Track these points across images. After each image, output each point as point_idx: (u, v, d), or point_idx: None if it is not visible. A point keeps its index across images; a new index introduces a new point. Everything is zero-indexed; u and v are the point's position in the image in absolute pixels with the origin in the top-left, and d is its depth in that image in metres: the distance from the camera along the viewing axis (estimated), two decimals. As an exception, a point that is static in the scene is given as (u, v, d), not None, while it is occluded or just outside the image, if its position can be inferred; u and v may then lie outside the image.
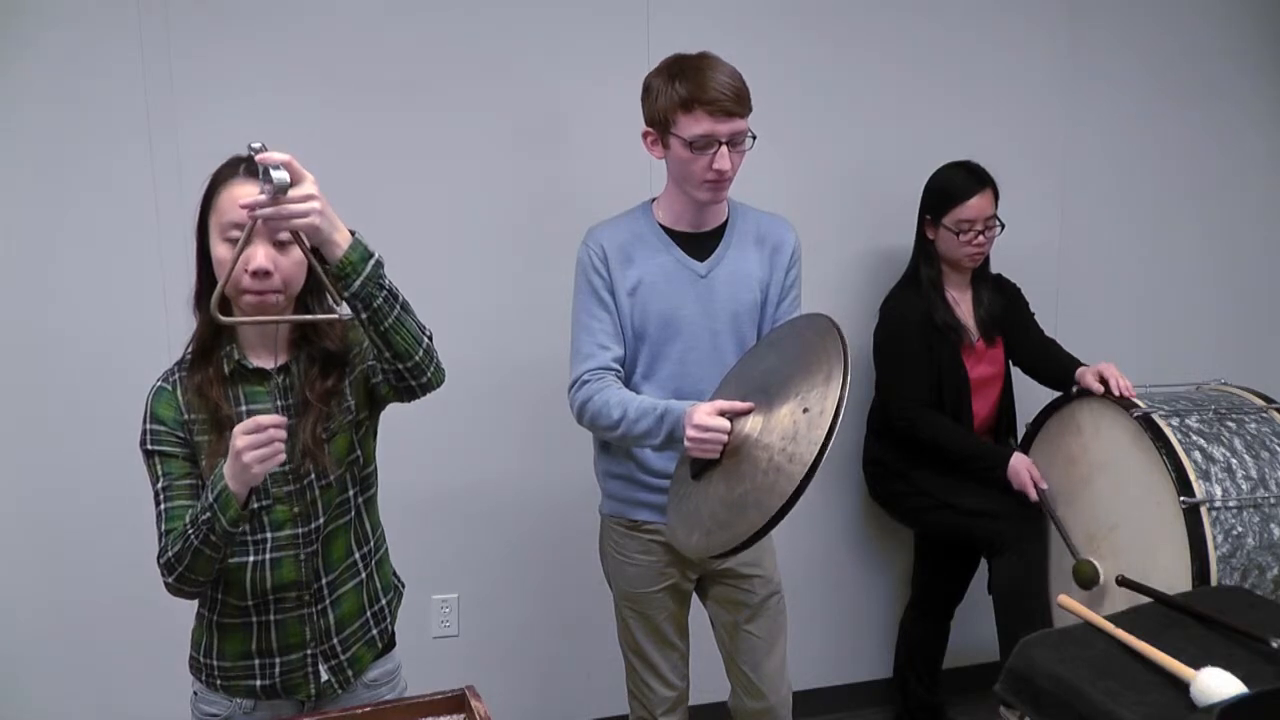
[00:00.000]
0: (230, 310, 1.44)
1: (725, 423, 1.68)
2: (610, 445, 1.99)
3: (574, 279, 1.95)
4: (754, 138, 1.85)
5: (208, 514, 1.35)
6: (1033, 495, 2.36)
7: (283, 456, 1.35)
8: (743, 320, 1.94)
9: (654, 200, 1.99)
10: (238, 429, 1.32)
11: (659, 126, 1.85)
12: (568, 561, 2.61)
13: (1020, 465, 2.38)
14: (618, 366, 1.91)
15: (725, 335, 1.93)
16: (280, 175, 1.24)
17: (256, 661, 1.51)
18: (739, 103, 1.80)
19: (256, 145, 1.26)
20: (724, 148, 1.80)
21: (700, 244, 1.94)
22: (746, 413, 1.69)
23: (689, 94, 1.78)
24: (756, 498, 1.58)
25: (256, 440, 1.31)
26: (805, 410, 1.58)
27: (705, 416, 1.69)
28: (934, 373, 2.48)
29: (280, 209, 1.26)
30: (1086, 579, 2.24)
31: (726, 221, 1.97)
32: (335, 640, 1.54)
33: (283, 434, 1.34)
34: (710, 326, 1.92)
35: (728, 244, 1.95)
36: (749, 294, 1.94)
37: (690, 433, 1.70)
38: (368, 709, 1.40)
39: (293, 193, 1.26)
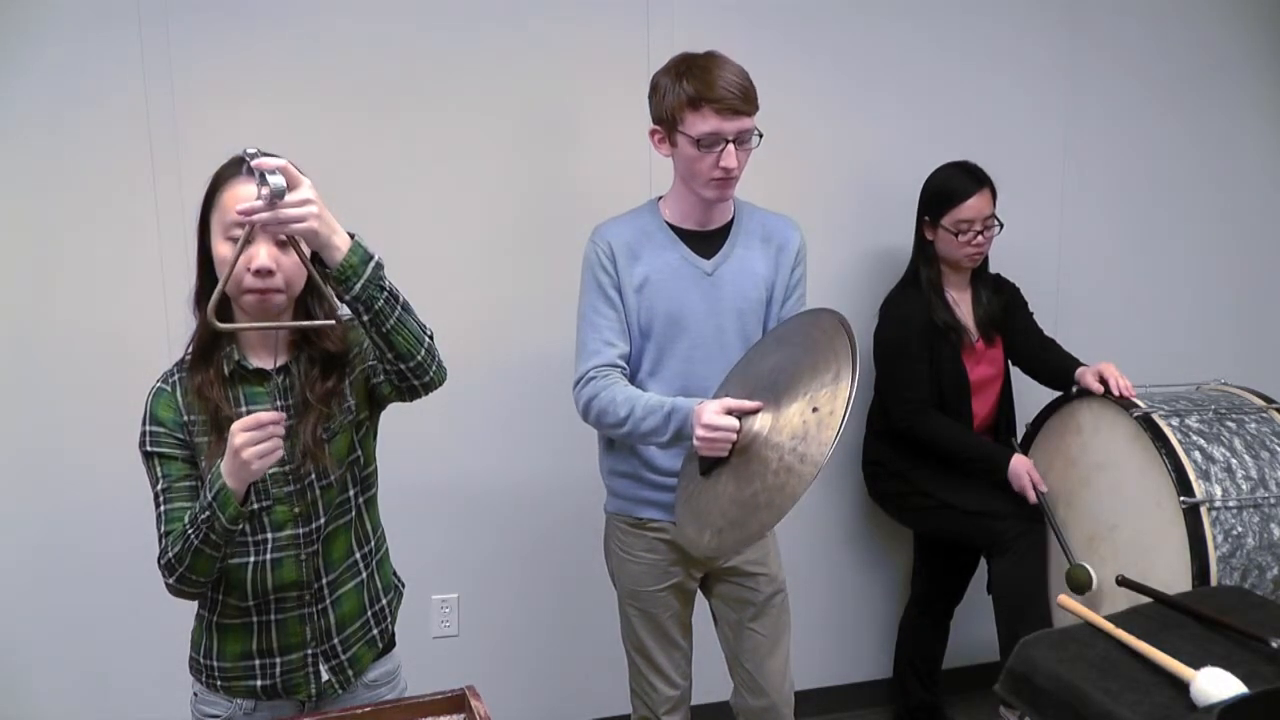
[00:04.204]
0: (230, 310, 1.45)
1: (734, 421, 1.69)
2: (615, 443, 2.00)
3: (580, 276, 1.96)
4: (760, 136, 1.86)
5: (206, 513, 1.35)
6: (1032, 498, 2.36)
7: (281, 453, 1.35)
8: (748, 318, 1.95)
9: (661, 198, 2.00)
10: (236, 426, 1.32)
11: (666, 124, 1.86)
12: (568, 561, 2.61)
13: (1020, 467, 2.38)
14: (623, 364, 1.92)
15: (731, 333, 1.93)
16: (276, 180, 1.24)
17: (257, 662, 1.51)
18: (746, 101, 1.80)
19: (252, 150, 1.26)
20: (731, 146, 1.80)
21: (707, 242, 1.95)
22: (755, 412, 1.69)
23: (697, 92, 1.79)
24: (769, 497, 1.59)
25: (255, 437, 1.31)
26: (815, 410, 1.59)
27: (714, 415, 1.69)
28: (934, 373, 2.48)
29: (277, 214, 1.26)
30: (1079, 584, 2.23)
31: (733, 220, 1.98)
32: (336, 640, 1.54)
33: (281, 430, 1.34)
34: (716, 324, 1.92)
35: (734, 242, 1.95)
36: (755, 292, 1.95)
37: (699, 432, 1.70)
38: (368, 709, 1.40)
39: (289, 197, 1.25)
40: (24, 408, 2.29)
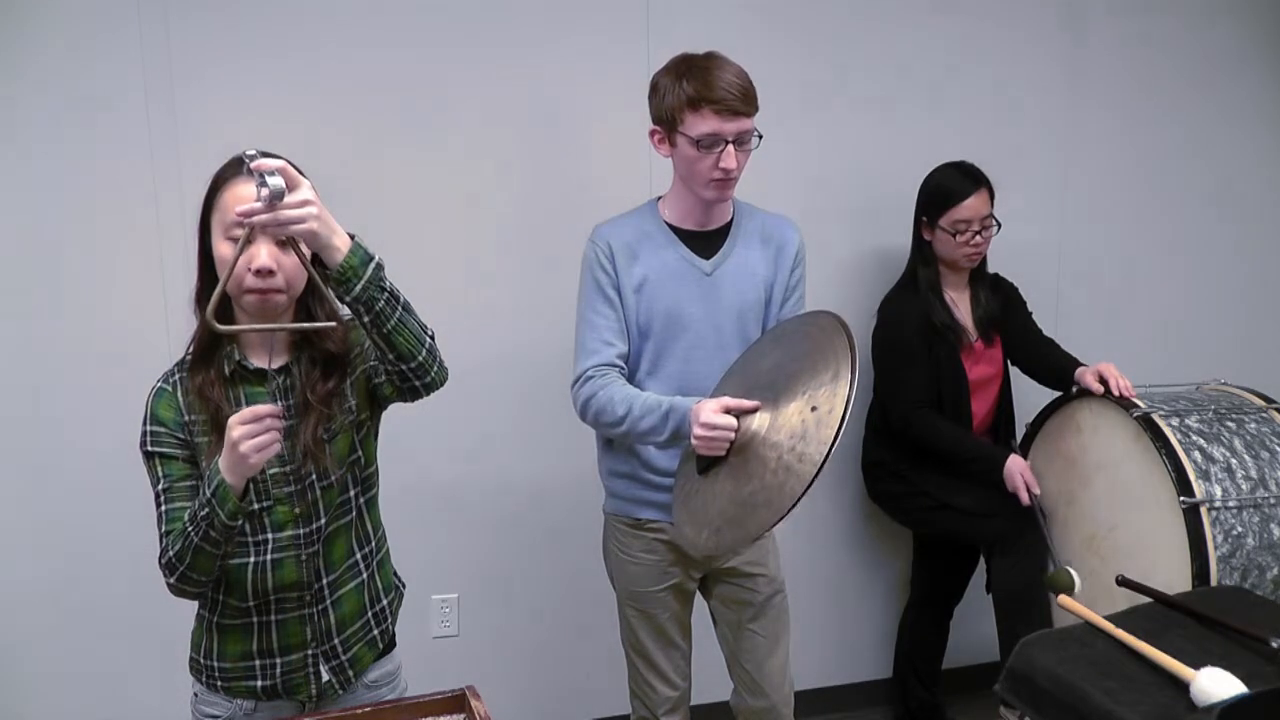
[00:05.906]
0: (230, 310, 1.45)
1: (732, 420, 1.68)
2: (614, 443, 2.00)
3: (579, 276, 1.96)
4: (760, 137, 1.86)
5: (206, 509, 1.35)
6: (1024, 499, 2.36)
7: (279, 446, 1.35)
8: (747, 318, 1.95)
9: (660, 198, 2.00)
10: (233, 419, 1.32)
11: (666, 125, 1.86)
12: (568, 561, 2.61)
13: (1015, 468, 2.38)
14: (622, 363, 1.92)
15: (730, 333, 1.94)
16: (276, 181, 1.24)
17: (257, 662, 1.51)
18: (746, 102, 1.80)
19: (251, 152, 1.26)
20: (730, 146, 1.80)
21: (706, 242, 1.95)
22: (753, 411, 1.69)
23: (696, 93, 1.79)
24: (767, 497, 1.58)
25: (253, 430, 1.31)
26: (814, 409, 1.59)
27: (712, 414, 1.69)
28: (933, 373, 2.48)
29: (276, 215, 1.25)
30: (1062, 588, 2.22)
31: (732, 220, 1.98)
32: (336, 640, 1.54)
33: (279, 423, 1.34)
34: (715, 324, 1.93)
35: (733, 242, 1.96)
36: (754, 292, 1.95)
37: (697, 431, 1.70)
38: (368, 709, 1.40)
39: (289, 199, 1.25)
40: (24, 407, 2.29)
